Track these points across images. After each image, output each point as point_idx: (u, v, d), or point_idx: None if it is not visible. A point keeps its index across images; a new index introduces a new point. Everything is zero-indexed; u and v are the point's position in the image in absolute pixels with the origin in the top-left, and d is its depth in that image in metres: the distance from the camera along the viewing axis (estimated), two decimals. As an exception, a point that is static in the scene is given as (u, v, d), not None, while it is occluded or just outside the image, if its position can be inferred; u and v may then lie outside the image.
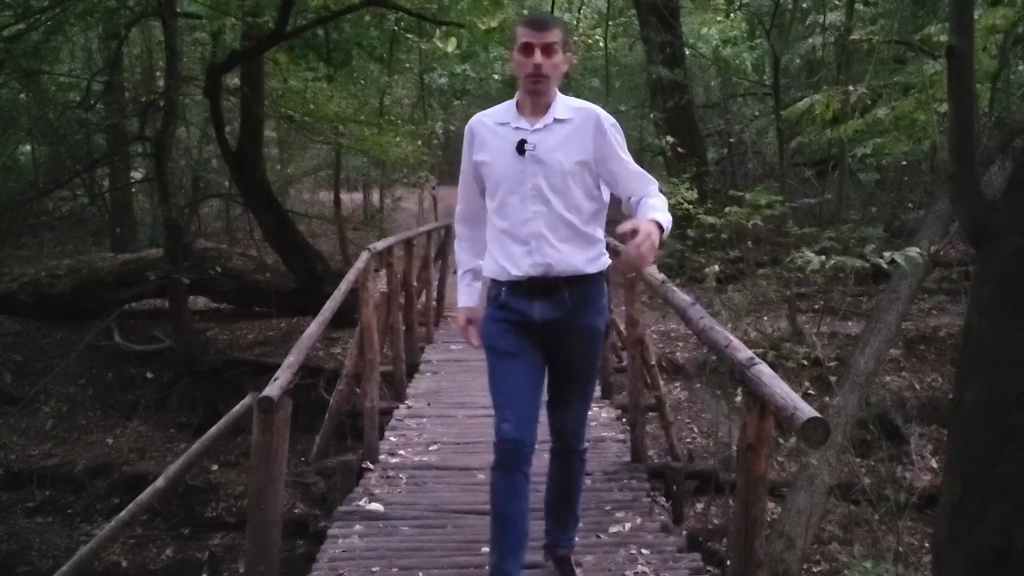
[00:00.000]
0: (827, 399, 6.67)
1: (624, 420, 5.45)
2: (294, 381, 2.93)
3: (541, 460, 2.93)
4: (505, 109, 2.82)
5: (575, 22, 15.56)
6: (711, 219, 7.11)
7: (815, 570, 6.24)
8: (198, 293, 10.76)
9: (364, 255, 5.30)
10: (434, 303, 9.17)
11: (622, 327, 6.24)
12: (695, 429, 8.04)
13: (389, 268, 6.70)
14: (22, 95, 12.51)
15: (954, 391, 3.32)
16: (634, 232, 2.39)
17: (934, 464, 7.53)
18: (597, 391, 5.59)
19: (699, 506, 6.86)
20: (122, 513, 3.12)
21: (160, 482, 3.14)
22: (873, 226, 11.12)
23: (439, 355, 7.55)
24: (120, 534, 3.87)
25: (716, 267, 6.61)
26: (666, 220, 2.57)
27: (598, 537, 3.66)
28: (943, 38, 6.96)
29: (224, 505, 7.95)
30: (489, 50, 14.08)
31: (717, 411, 7.70)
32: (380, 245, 6.03)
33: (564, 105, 2.76)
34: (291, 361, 3.06)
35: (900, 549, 5.57)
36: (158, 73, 13.62)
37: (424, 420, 5.58)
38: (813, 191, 12.42)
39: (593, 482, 4.27)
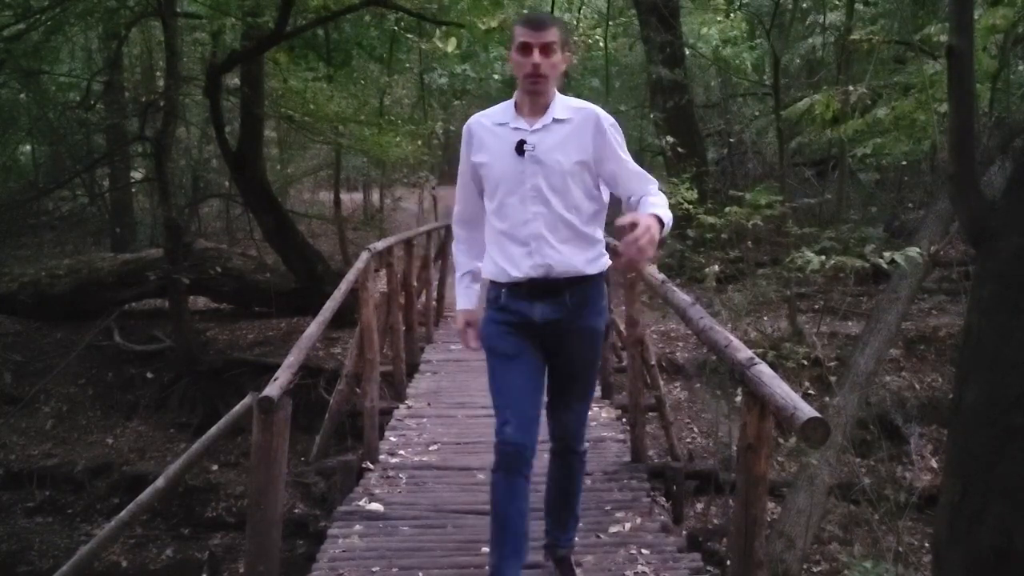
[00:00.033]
0: (827, 399, 6.67)
1: (624, 420, 5.45)
2: (294, 381, 2.93)
3: (541, 460, 2.93)
4: (503, 109, 2.80)
5: (575, 22, 15.55)
6: (711, 219, 7.11)
7: (815, 570, 6.24)
8: (198, 293, 10.77)
9: (364, 255, 5.31)
10: (434, 303, 9.17)
11: (622, 327, 6.24)
12: (695, 429, 8.04)
13: (389, 268, 6.70)
14: (22, 95, 12.51)
15: (954, 391, 3.32)
16: (633, 225, 2.37)
17: (934, 464, 7.53)
18: (597, 391, 5.59)
19: (699, 506, 6.86)
20: (122, 513, 3.12)
21: (160, 482, 3.13)
22: (873, 226, 11.12)
23: (439, 355, 7.55)
24: (120, 534, 3.87)
25: (716, 267, 6.62)
26: (666, 216, 2.56)
27: (598, 537, 3.66)
28: (943, 38, 6.96)
29: (224, 505, 7.95)
30: (489, 50, 14.08)
31: (717, 411, 7.70)
32: (380, 245, 6.04)
33: (563, 105, 2.74)
34: (291, 361, 3.06)
35: (900, 549, 5.57)
36: (158, 73, 13.62)
37: (424, 420, 5.58)
38: (813, 191, 12.42)
39: (593, 482, 4.27)
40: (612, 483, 4.35)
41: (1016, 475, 2.80)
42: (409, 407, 5.90)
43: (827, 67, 13.01)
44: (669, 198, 2.80)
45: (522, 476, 2.76)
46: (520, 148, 2.71)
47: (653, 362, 5.97)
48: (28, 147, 15.05)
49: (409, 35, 12.87)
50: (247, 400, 3.08)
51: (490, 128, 2.79)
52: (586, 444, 3.11)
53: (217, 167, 13.83)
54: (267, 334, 10.15)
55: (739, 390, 2.81)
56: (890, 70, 11.20)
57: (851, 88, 8.24)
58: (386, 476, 4.51)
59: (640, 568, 3.36)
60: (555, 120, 2.72)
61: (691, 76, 13.94)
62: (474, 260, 2.95)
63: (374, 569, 3.39)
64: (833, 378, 6.52)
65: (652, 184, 2.75)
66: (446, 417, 5.65)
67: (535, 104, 2.72)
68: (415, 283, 7.69)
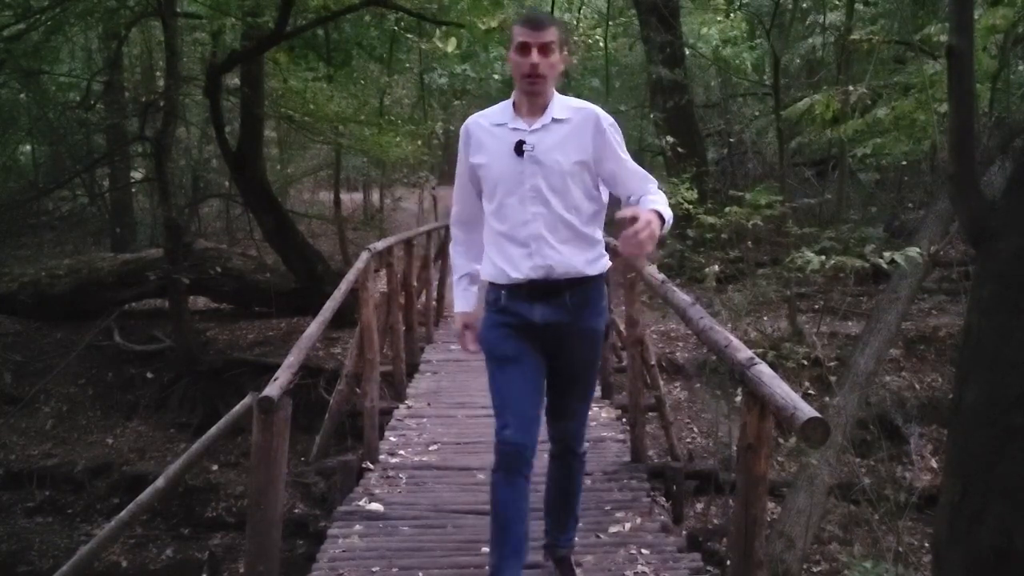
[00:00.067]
0: (827, 399, 6.67)
1: (624, 420, 5.45)
2: (294, 381, 2.93)
3: (541, 460, 2.93)
4: (501, 110, 2.78)
5: (575, 22, 15.55)
6: (711, 219, 7.11)
7: (815, 570, 6.24)
8: (198, 293, 10.77)
9: (364, 255, 5.31)
10: (434, 303, 9.17)
11: (622, 327, 6.24)
12: (695, 429, 8.04)
13: (389, 268, 6.71)
14: (22, 95, 12.51)
15: (954, 391, 3.32)
16: (634, 219, 2.37)
17: (934, 464, 7.53)
18: (597, 391, 5.59)
19: (699, 506, 6.86)
20: (122, 513, 3.12)
21: (160, 482, 3.13)
22: (873, 226, 11.12)
23: (439, 355, 7.55)
24: (120, 534, 3.87)
25: (716, 267, 6.61)
26: (667, 214, 2.56)
27: (598, 537, 3.66)
28: (943, 38, 6.95)
29: (224, 505, 7.95)
30: (489, 50, 14.06)
31: (717, 411, 7.70)
32: (380, 245, 6.04)
33: (562, 105, 2.72)
34: (291, 361, 3.06)
35: (900, 549, 5.57)
36: (158, 73, 13.62)
37: (424, 420, 5.58)
38: (813, 191, 12.41)
39: (593, 482, 4.27)
40: (612, 483, 4.35)
41: (1016, 475, 2.80)
42: (409, 407, 5.90)
43: (827, 67, 13.01)
44: (669, 198, 2.79)
45: (522, 476, 2.76)
46: (519, 148, 2.69)
47: (653, 362, 5.97)
48: (28, 147, 15.05)
49: (409, 35, 12.86)
50: (247, 400, 3.08)
51: (488, 129, 2.76)
52: (586, 445, 3.11)
53: (217, 167, 13.83)
54: (267, 334, 10.16)
55: (739, 390, 2.81)
56: (890, 70, 11.20)
57: (851, 88, 8.24)
58: (386, 476, 4.51)
59: (640, 568, 3.36)
60: (554, 120, 2.70)
61: (691, 76, 13.94)
62: (472, 262, 2.93)
63: (374, 569, 3.39)
64: (833, 378, 6.52)
65: (651, 183, 2.74)
66: (446, 417, 5.65)
67: (534, 104, 2.71)
68: (415, 283, 7.69)
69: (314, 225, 15.32)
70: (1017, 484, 2.80)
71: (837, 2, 12.23)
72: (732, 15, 14.61)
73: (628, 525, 3.78)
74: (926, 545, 6.19)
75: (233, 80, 10.51)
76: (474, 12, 9.54)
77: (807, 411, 2.03)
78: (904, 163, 12.10)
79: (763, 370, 2.32)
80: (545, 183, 2.68)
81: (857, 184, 13.63)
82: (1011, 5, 6.91)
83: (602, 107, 2.81)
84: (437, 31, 11.72)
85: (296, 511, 6.94)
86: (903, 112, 7.95)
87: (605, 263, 2.84)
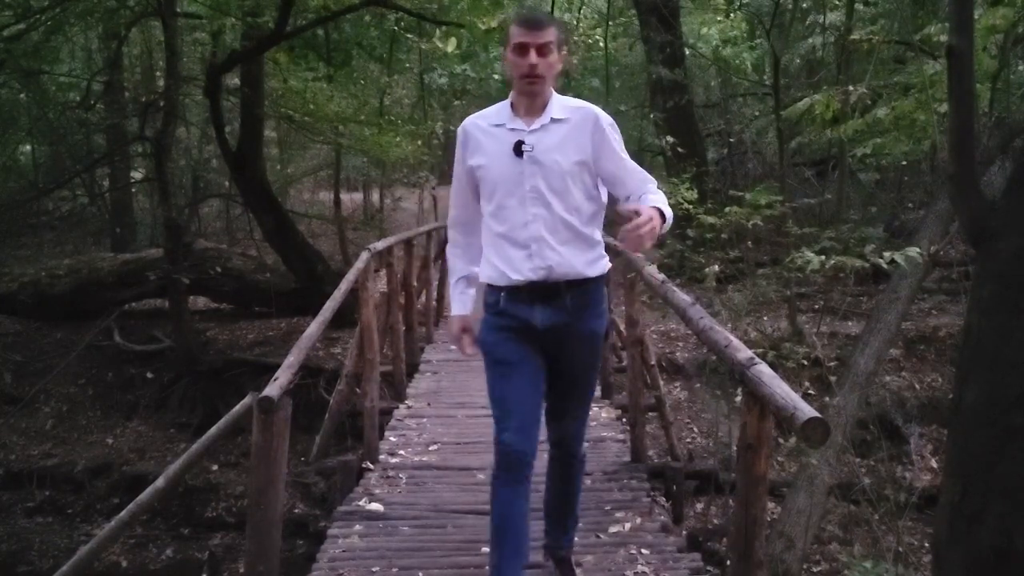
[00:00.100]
0: (827, 399, 6.66)
1: (624, 420, 5.45)
2: (294, 381, 2.93)
3: (541, 460, 2.92)
4: (499, 110, 2.76)
5: (575, 22, 15.56)
6: (711, 219, 7.10)
7: (815, 570, 6.24)
8: (198, 293, 10.77)
9: (364, 255, 5.31)
10: (434, 303, 9.17)
11: (622, 327, 6.24)
12: (695, 429, 8.04)
13: (389, 268, 6.71)
14: (22, 95, 12.52)
15: (954, 391, 3.32)
16: (636, 214, 2.37)
17: (934, 464, 7.53)
18: (597, 391, 5.58)
19: (699, 506, 6.85)
20: (122, 513, 3.12)
21: (160, 482, 3.13)
22: (873, 226, 11.11)
23: (439, 355, 7.55)
24: (120, 534, 3.87)
25: (716, 267, 6.60)
26: (668, 213, 2.56)
27: (598, 537, 3.66)
28: (943, 38, 6.95)
29: (224, 505, 7.95)
30: (489, 50, 14.07)
31: (717, 411, 7.70)
32: (380, 245, 6.04)
33: (560, 104, 2.70)
34: (291, 361, 3.06)
35: (900, 549, 5.57)
36: (158, 73, 13.62)
37: (424, 420, 5.58)
38: (813, 191, 12.41)
39: (593, 482, 4.27)
40: (612, 483, 4.35)
41: (1016, 475, 2.80)
42: (409, 407, 5.90)
43: (827, 67, 13.01)
44: (669, 198, 2.79)
45: (522, 477, 2.75)
46: (518, 149, 2.66)
47: (653, 362, 5.98)
48: (28, 147, 15.05)
49: (409, 35, 12.87)
50: (247, 400, 3.08)
51: (486, 129, 2.74)
52: (585, 445, 3.11)
53: (217, 167, 13.83)
54: (267, 334, 10.16)
55: (739, 390, 2.80)
56: (890, 70, 11.20)
57: (851, 88, 8.24)
58: (386, 476, 4.51)
59: (640, 568, 3.36)
60: (553, 120, 2.68)
61: (691, 76, 13.94)
62: (470, 265, 2.89)
63: (374, 569, 3.39)
64: (833, 378, 6.51)
65: (651, 183, 2.73)
66: (446, 417, 5.65)
67: (532, 104, 2.69)
68: (415, 283, 7.69)
69: (314, 225, 15.32)
70: (1017, 484, 2.80)
71: (837, 2, 12.23)
72: (732, 15, 14.61)
73: (628, 525, 3.78)
74: (926, 545, 6.19)
75: (233, 80, 10.51)
76: (474, 12, 9.55)
77: (807, 411, 2.03)
78: (904, 163, 12.10)
79: (763, 370, 2.32)
80: (545, 184, 2.66)
81: (857, 184, 13.63)
82: (1011, 5, 6.91)
83: (602, 107, 2.79)
84: (437, 31, 11.73)
85: (296, 511, 6.94)
86: (903, 112, 7.95)
87: (605, 264, 2.82)
